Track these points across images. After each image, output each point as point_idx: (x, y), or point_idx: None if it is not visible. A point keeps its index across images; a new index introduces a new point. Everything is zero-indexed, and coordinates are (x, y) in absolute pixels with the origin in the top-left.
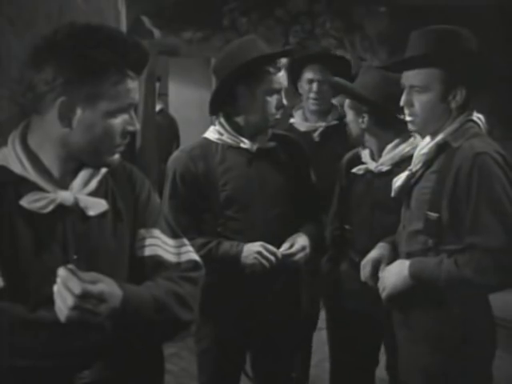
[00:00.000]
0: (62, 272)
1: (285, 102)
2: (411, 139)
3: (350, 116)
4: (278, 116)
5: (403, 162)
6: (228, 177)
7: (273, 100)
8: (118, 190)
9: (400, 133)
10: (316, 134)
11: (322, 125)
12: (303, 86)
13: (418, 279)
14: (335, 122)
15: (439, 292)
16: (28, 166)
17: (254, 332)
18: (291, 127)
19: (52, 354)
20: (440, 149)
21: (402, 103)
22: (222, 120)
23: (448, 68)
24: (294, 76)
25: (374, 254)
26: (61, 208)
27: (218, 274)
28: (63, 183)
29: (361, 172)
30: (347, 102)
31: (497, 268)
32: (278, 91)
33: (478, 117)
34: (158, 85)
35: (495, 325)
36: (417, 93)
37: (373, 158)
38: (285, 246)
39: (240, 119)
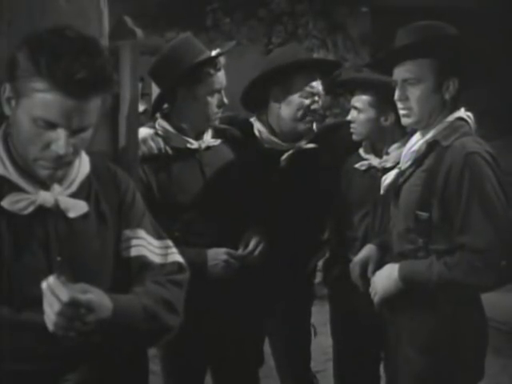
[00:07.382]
0: (50, 279)
1: (225, 100)
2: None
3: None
4: (219, 114)
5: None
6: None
7: (214, 100)
8: (102, 191)
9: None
10: (284, 158)
11: (291, 146)
12: (293, 98)
13: (408, 282)
14: (311, 146)
15: (429, 293)
16: (9, 166)
17: (217, 335)
18: (253, 137)
19: (37, 357)
20: (430, 147)
21: (395, 98)
22: (162, 121)
23: (438, 57)
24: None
25: (361, 255)
26: (42, 209)
27: None
28: (46, 184)
29: (363, 168)
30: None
31: (487, 268)
32: (219, 91)
33: (467, 115)
34: (140, 85)
35: (487, 325)
36: (410, 85)
37: (375, 153)
38: (241, 247)
39: (181, 120)
